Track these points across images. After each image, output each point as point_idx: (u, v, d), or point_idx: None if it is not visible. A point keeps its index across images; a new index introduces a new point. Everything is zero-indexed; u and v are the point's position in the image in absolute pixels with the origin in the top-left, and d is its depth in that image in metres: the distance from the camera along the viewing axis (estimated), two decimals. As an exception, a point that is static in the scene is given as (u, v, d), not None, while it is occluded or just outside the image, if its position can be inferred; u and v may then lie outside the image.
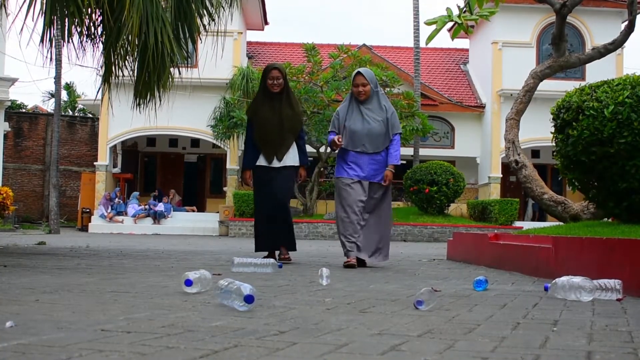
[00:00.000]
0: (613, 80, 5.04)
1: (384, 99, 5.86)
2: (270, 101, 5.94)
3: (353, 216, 5.66)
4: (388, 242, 5.91)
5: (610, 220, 5.84)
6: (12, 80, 20.06)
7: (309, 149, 21.54)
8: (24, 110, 32.49)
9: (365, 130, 5.70)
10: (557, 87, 19.16)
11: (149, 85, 6.75)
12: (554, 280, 3.45)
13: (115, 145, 23.68)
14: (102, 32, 6.77)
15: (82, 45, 6.66)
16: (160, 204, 22.08)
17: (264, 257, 5.47)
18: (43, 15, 5.87)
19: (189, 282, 3.17)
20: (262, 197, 6.01)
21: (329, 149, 20.94)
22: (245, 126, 6.28)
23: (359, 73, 5.71)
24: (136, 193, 22.99)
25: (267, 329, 2.12)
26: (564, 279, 3.37)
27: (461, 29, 6.77)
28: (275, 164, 5.97)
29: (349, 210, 5.67)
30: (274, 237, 6.00)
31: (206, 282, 3.25)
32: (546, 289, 3.50)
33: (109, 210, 21.81)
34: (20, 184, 26.59)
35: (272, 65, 5.95)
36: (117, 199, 22.23)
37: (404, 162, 25.61)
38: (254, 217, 6.21)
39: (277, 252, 6.13)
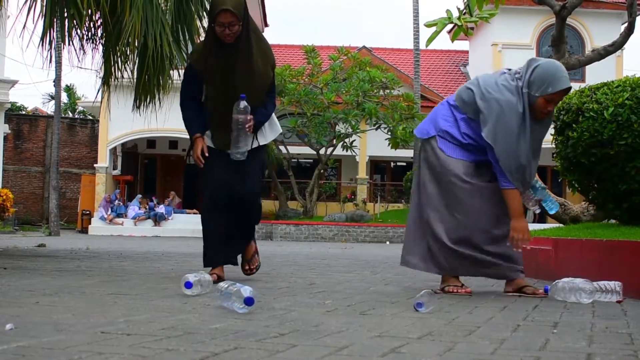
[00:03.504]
0: (613, 82, 5.04)
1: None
2: (222, 56, 3.86)
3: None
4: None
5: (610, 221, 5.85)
6: (12, 82, 20.06)
7: (308, 150, 21.58)
8: (24, 113, 32.50)
9: None
10: (557, 89, 19.12)
11: (149, 87, 6.75)
12: (554, 282, 3.45)
13: (115, 147, 23.67)
14: (102, 34, 6.77)
15: (82, 47, 6.66)
16: (161, 205, 22.08)
17: (211, 273, 3.84)
18: (43, 17, 5.87)
19: (188, 285, 3.17)
20: (216, 186, 3.94)
21: (328, 151, 20.97)
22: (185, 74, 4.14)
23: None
24: (139, 196, 22.98)
25: (267, 331, 2.11)
26: (564, 280, 3.36)
27: (461, 30, 6.77)
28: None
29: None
30: (231, 245, 4.03)
31: (206, 284, 3.25)
32: (546, 290, 3.50)
33: (109, 213, 21.80)
34: (20, 186, 26.58)
35: (221, 5, 3.72)
36: (117, 201, 22.22)
37: (404, 163, 25.69)
38: (201, 216, 4.08)
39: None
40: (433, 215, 3.68)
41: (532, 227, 4.13)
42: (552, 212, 3.77)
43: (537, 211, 3.84)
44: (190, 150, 3.97)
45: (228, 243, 3.98)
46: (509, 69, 3.74)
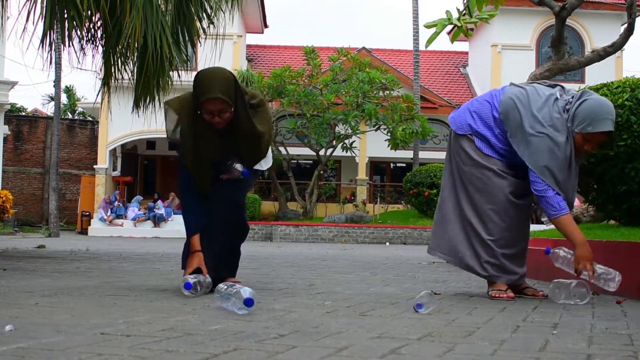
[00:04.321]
0: (612, 83, 5.04)
1: None
2: (214, 138, 3.45)
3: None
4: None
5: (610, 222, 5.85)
6: (12, 84, 20.06)
7: (308, 151, 21.58)
8: (23, 114, 32.47)
9: None
10: (557, 90, 19.14)
11: (149, 88, 6.76)
12: (552, 282, 3.45)
13: (115, 149, 23.68)
14: (102, 35, 6.77)
15: (82, 48, 6.67)
16: (161, 207, 22.08)
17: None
18: (43, 19, 5.88)
19: (188, 286, 3.17)
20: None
21: (328, 152, 20.97)
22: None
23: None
24: (139, 197, 22.98)
25: (266, 332, 2.11)
26: (560, 282, 3.37)
27: (461, 31, 6.77)
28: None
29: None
30: (212, 257, 3.51)
31: (205, 285, 3.25)
32: (547, 252, 3.50)
33: (108, 214, 21.80)
34: (20, 187, 26.58)
35: (209, 94, 3.26)
36: (116, 202, 22.23)
37: (403, 164, 25.70)
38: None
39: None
40: (475, 214, 3.53)
41: (532, 228, 4.09)
42: None
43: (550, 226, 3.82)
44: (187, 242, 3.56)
45: (209, 252, 3.48)
46: (562, 87, 3.55)
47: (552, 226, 3.71)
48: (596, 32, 23.61)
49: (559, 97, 3.45)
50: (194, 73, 3.57)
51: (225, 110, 3.29)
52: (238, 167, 3.42)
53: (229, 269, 3.66)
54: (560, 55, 7.98)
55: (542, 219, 3.69)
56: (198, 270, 3.37)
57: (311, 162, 24.44)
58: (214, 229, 3.50)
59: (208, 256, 3.44)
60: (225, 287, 2.71)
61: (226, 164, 3.43)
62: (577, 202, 7.46)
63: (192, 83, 3.37)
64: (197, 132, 3.39)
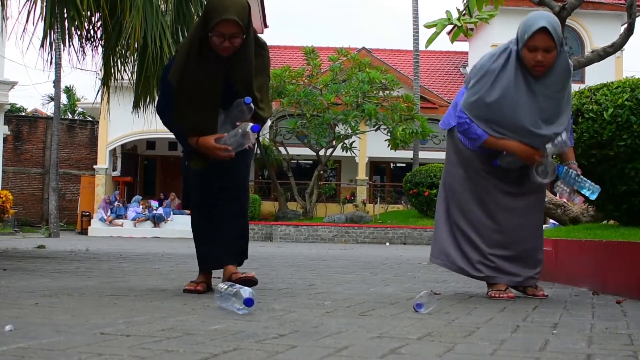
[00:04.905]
0: (612, 83, 5.04)
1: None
2: (212, 65, 3.26)
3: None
4: None
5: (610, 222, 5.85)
6: (12, 84, 20.06)
7: (308, 151, 21.59)
8: (23, 114, 32.47)
9: None
10: (557, 90, 19.13)
11: (149, 88, 6.76)
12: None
13: (114, 149, 23.68)
14: (101, 35, 6.78)
15: (82, 48, 6.67)
16: (160, 207, 22.09)
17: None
18: (43, 19, 5.88)
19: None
20: (206, 182, 3.47)
21: (328, 152, 20.97)
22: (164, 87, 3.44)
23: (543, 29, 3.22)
24: (138, 197, 22.98)
25: (266, 332, 2.11)
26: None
27: (461, 31, 6.77)
28: None
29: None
30: (222, 246, 3.44)
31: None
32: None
33: (108, 214, 21.81)
34: (20, 187, 26.57)
35: (224, 14, 3.13)
36: (116, 202, 22.23)
37: (403, 164, 25.70)
38: (191, 218, 3.61)
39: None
40: (462, 215, 3.50)
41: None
42: (592, 198, 3.41)
43: (577, 200, 3.57)
44: (186, 156, 3.46)
45: (217, 241, 3.44)
46: None
47: (577, 199, 3.54)
48: (596, 32, 23.62)
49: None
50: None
51: (237, 35, 3.17)
52: (247, 101, 3.21)
53: (241, 252, 3.53)
54: (560, 55, 7.95)
55: (536, 178, 3.41)
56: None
57: (311, 162, 24.45)
58: (223, 215, 3.41)
59: (217, 244, 3.40)
60: (225, 287, 2.71)
61: (234, 104, 3.28)
62: (579, 201, 7.46)
63: None
64: (204, 68, 3.23)
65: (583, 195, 3.48)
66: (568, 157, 3.50)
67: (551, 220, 10.65)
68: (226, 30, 3.14)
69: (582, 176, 3.39)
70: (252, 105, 3.24)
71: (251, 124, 3.21)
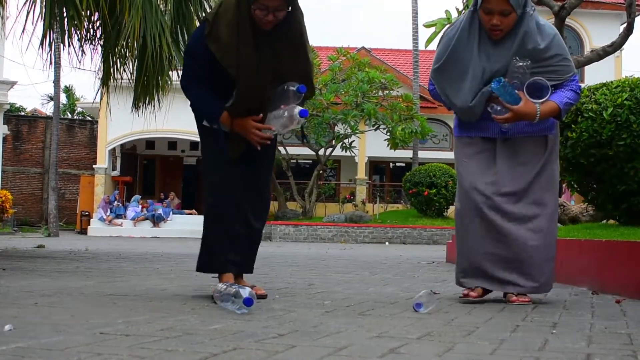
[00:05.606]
0: (612, 82, 5.05)
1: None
2: (255, 42, 3.09)
3: None
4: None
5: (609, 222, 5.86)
6: (11, 84, 20.05)
7: (307, 150, 21.58)
8: (22, 114, 32.47)
9: None
10: (556, 90, 19.15)
11: (148, 88, 6.76)
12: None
13: (114, 148, 23.68)
14: (101, 35, 6.77)
15: (81, 48, 6.66)
16: (159, 207, 22.10)
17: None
18: (42, 19, 5.87)
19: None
20: (229, 180, 3.20)
21: (327, 151, 20.97)
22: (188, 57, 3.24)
23: None
24: (138, 197, 22.99)
25: (266, 332, 2.11)
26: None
27: (460, 31, 6.77)
28: None
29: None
30: (242, 252, 3.25)
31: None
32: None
33: (108, 214, 21.81)
34: (19, 187, 26.57)
35: None
36: (116, 202, 22.24)
37: (403, 164, 25.70)
38: (205, 216, 3.29)
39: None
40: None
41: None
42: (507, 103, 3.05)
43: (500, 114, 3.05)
44: (228, 145, 3.18)
45: (236, 246, 3.21)
46: None
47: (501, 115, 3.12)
48: (595, 31, 23.62)
49: None
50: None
51: (282, 8, 3.03)
52: (302, 90, 3.10)
53: (252, 261, 3.37)
54: (559, 54, 7.95)
55: (490, 109, 3.13)
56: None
57: (310, 161, 24.44)
58: (247, 216, 3.22)
59: (234, 249, 3.19)
60: (225, 287, 2.71)
61: (283, 86, 3.13)
62: (579, 205, 7.46)
63: None
64: (255, 44, 3.06)
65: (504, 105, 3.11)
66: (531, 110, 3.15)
67: None
68: (271, 3, 3.01)
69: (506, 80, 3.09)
70: (303, 94, 3.13)
71: (299, 108, 3.10)
